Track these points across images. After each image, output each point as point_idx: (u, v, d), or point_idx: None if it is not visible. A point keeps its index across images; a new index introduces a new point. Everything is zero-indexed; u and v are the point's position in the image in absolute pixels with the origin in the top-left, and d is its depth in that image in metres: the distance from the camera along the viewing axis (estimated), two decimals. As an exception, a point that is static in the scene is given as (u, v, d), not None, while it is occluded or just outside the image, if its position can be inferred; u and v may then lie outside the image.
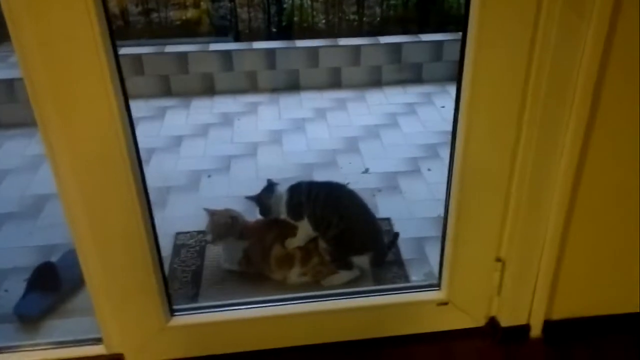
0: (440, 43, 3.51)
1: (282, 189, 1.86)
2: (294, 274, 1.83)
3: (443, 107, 3.20)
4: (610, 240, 1.40)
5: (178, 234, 2.10)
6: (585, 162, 1.27)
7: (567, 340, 1.51)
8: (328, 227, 1.78)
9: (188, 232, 2.10)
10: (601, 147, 1.26)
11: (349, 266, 1.82)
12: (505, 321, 1.49)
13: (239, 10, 4.07)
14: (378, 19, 4.16)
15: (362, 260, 1.84)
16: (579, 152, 1.25)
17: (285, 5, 4.12)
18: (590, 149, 1.26)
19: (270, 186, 1.89)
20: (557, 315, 1.49)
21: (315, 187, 1.84)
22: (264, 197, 1.88)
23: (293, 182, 1.90)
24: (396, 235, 1.99)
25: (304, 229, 1.83)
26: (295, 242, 1.84)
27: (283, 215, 1.85)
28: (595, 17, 1.10)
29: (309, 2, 4.12)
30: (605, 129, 1.24)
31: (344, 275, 1.83)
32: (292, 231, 1.85)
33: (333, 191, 1.87)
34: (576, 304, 1.49)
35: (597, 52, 1.13)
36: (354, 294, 1.54)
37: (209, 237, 1.87)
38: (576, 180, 1.29)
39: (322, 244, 1.81)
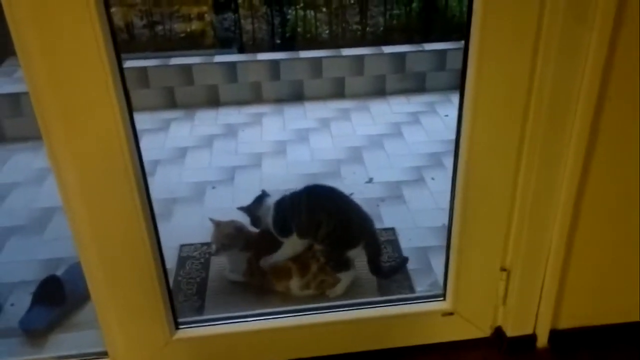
0: (443, 52, 3.51)
1: (272, 200, 1.85)
2: (295, 285, 1.82)
3: (447, 116, 3.20)
4: (615, 248, 1.40)
5: (182, 246, 2.10)
6: (589, 170, 1.27)
7: (574, 349, 1.50)
8: (319, 227, 1.77)
9: (193, 244, 2.10)
10: (605, 155, 1.26)
11: (347, 265, 1.81)
12: (511, 331, 1.48)
13: (242, 22, 4.08)
14: (381, 28, 4.17)
15: (358, 254, 1.83)
16: (583, 160, 1.24)
17: (288, 17, 4.14)
18: (594, 157, 1.26)
19: (261, 197, 1.89)
20: (564, 324, 1.48)
21: (297, 197, 1.83)
22: (254, 208, 1.88)
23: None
24: (405, 259, 1.97)
25: (290, 246, 1.82)
26: (274, 259, 1.83)
27: (270, 228, 1.84)
28: (597, 25, 1.10)
29: (313, 13, 4.14)
30: (609, 136, 1.24)
31: (345, 279, 1.82)
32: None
33: (313, 193, 1.87)
34: (582, 313, 1.48)
35: (600, 60, 1.14)
36: (359, 305, 1.53)
37: (213, 248, 1.87)
38: (580, 188, 1.28)
39: (318, 247, 1.80)
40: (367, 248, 1.82)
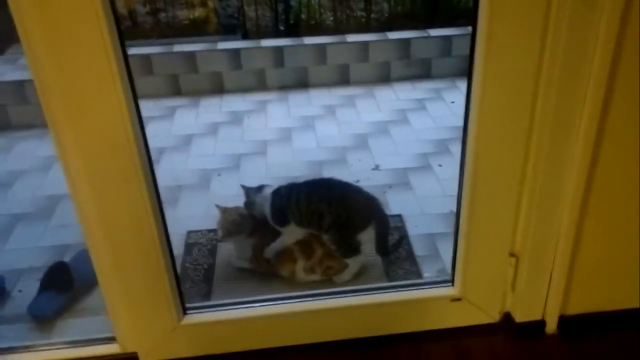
0: (449, 38, 3.48)
1: (269, 190, 1.85)
2: (301, 270, 1.82)
3: (453, 102, 3.18)
4: (625, 233, 1.39)
5: (189, 232, 2.11)
6: (599, 155, 1.26)
7: (583, 335, 1.49)
8: (321, 219, 1.77)
9: (199, 231, 2.11)
10: (616, 140, 1.25)
11: (356, 250, 1.81)
12: (519, 317, 1.48)
13: (246, 8, 4.06)
14: (386, 14, 4.15)
15: (369, 235, 1.83)
16: (592, 145, 1.23)
17: (292, 3, 4.11)
18: (604, 142, 1.24)
19: (262, 186, 1.90)
20: (573, 310, 1.48)
21: (295, 189, 1.83)
22: (253, 192, 1.89)
23: (299, 180, 1.90)
24: (401, 239, 1.99)
25: (289, 234, 1.82)
26: (274, 247, 1.83)
27: (267, 218, 1.84)
28: (606, 8, 1.09)
29: (317, -1, 4.12)
30: (619, 120, 1.23)
31: (353, 265, 1.82)
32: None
33: (311, 186, 1.87)
34: (592, 299, 1.47)
35: (610, 40, 1.12)
36: (366, 291, 1.53)
37: (219, 234, 1.87)
38: (590, 173, 1.27)
39: (325, 236, 1.81)
40: (377, 227, 1.83)
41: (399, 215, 2.15)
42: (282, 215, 1.81)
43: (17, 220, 2.23)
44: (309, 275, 1.83)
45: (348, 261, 1.82)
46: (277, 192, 1.84)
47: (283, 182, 1.89)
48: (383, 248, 1.88)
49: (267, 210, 1.83)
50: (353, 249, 1.82)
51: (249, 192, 1.90)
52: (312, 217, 1.78)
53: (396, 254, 1.94)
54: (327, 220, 1.77)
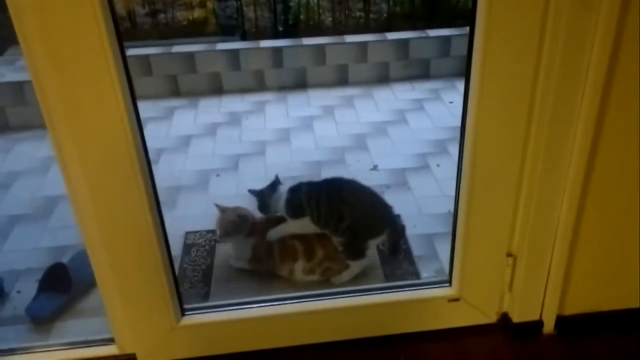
0: (447, 38, 3.48)
1: (284, 188, 1.86)
2: (300, 269, 1.82)
3: (451, 102, 3.18)
4: (622, 233, 1.39)
5: (188, 233, 2.11)
6: (596, 155, 1.26)
7: (581, 335, 1.50)
8: (341, 220, 1.77)
9: (198, 232, 2.11)
10: (613, 139, 1.25)
11: (363, 254, 1.82)
12: (517, 317, 1.48)
13: (245, 9, 4.07)
14: (384, 15, 4.15)
15: (378, 243, 1.85)
16: (590, 144, 1.24)
17: (291, 4, 4.11)
18: (602, 141, 1.25)
19: (274, 184, 1.90)
20: (570, 310, 1.48)
21: (316, 187, 1.83)
22: (266, 194, 1.88)
23: (301, 179, 1.90)
24: (402, 227, 1.99)
25: (299, 225, 1.83)
26: (280, 230, 1.84)
27: (281, 213, 1.85)
28: (604, 10, 1.09)
29: (315, 0, 4.12)
30: (616, 120, 1.23)
31: (354, 267, 1.83)
32: None
33: (334, 186, 1.87)
34: (589, 299, 1.48)
35: (607, 41, 1.12)
36: (364, 292, 1.53)
37: (217, 234, 1.87)
38: (588, 173, 1.28)
39: (336, 237, 1.81)
40: (390, 235, 1.84)
41: (398, 216, 2.14)
42: (298, 208, 1.81)
43: (15, 221, 2.23)
44: (308, 276, 1.83)
45: (351, 263, 1.82)
46: (296, 189, 1.84)
47: (290, 182, 1.89)
48: (395, 251, 1.91)
49: (281, 205, 1.84)
50: (360, 253, 1.82)
51: (261, 195, 1.89)
52: (331, 217, 1.79)
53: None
54: (345, 223, 1.77)
